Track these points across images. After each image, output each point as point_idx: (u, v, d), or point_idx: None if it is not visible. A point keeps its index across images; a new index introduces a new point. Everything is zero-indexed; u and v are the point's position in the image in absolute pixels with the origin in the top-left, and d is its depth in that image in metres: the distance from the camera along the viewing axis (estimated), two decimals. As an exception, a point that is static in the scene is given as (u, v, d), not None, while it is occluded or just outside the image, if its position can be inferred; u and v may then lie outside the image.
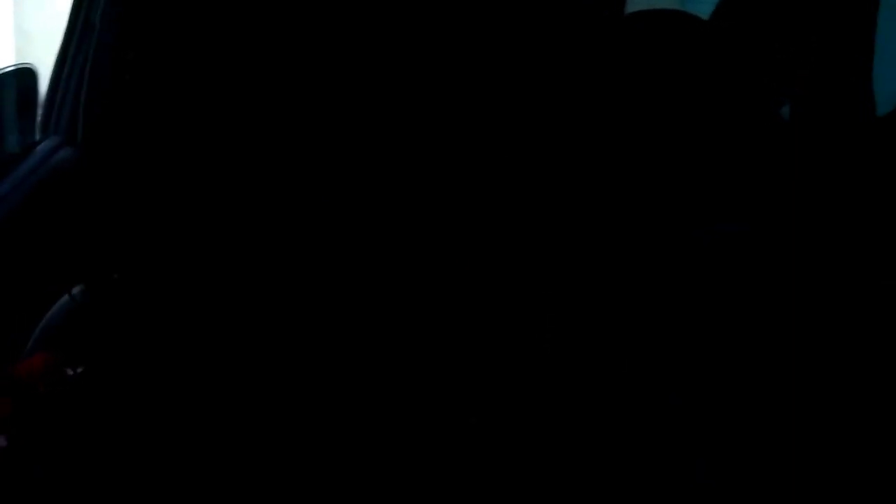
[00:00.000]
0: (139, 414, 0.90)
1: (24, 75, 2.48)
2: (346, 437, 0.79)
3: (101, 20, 2.41)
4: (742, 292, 0.82)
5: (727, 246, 0.81)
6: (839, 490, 0.82)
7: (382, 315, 0.77)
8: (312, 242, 0.80)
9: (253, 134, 0.84)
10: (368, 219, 0.78)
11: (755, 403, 0.82)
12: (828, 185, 0.86)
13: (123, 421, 0.89)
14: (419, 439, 0.77)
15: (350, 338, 0.78)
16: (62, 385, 0.93)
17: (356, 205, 0.79)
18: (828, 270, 0.82)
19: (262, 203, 0.82)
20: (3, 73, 2.43)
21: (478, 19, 0.80)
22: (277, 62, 0.83)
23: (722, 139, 0.89)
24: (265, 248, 0.81)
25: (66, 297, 1.50)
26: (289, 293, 0.79)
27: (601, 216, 0.80)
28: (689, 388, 0.82)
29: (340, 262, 0.78)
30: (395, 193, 0.78)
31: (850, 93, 0.93)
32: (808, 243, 0.82)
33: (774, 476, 0.81)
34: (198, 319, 0.83)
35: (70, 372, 0.94)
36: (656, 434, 0.81)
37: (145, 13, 0.95)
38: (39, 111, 2.56)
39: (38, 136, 2.54)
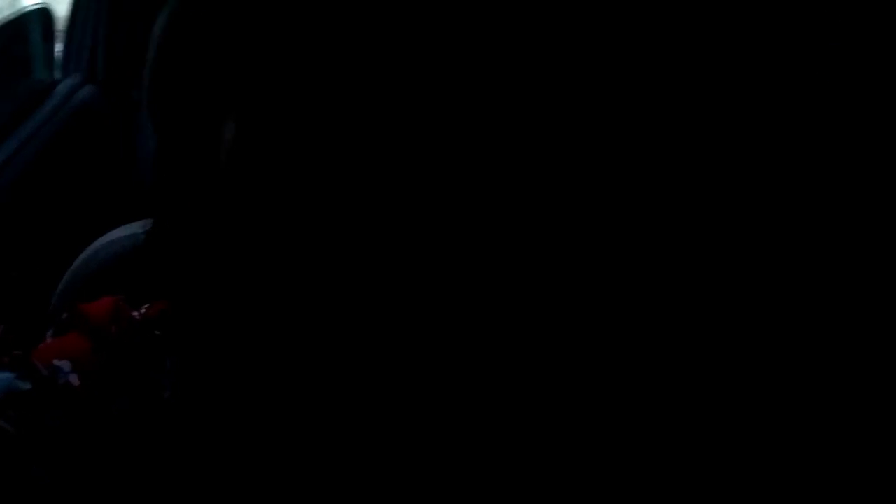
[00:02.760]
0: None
1: (41, 16, 2.50)
2: (349, 434, 0.79)
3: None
4: (739, 284, 0.79)
5: (718, 233, 0.79)
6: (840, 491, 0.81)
7: (387, 311, 0.76)
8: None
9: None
10: (370, 217, 0.76)
11: (758, 403, 0.81)
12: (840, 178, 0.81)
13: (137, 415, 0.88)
14: (423, 436, 0.77)
15: (353, 335, 0.78)
16: (131, 327, 0.97)
17: (361, 205, 0.76)
18: (834, 262, 0.80)
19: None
20: (20, 15, 2.45)
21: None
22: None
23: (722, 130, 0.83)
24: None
25: (98, 243, 1.49)
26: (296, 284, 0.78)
27: (602, 214, 0.79)
28: (688, 385, 0.80)
29: (343, 260, 0.77)
30: (395, 193, 0.76)
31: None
32: (811, 236, 0.80)
33: (775, 480, 0.80)
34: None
35: (136, 315, 0.99)
36: (658, 433, 0.80)
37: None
38: (58, 51, 2.58)
39: (58, 76, 2.57)
